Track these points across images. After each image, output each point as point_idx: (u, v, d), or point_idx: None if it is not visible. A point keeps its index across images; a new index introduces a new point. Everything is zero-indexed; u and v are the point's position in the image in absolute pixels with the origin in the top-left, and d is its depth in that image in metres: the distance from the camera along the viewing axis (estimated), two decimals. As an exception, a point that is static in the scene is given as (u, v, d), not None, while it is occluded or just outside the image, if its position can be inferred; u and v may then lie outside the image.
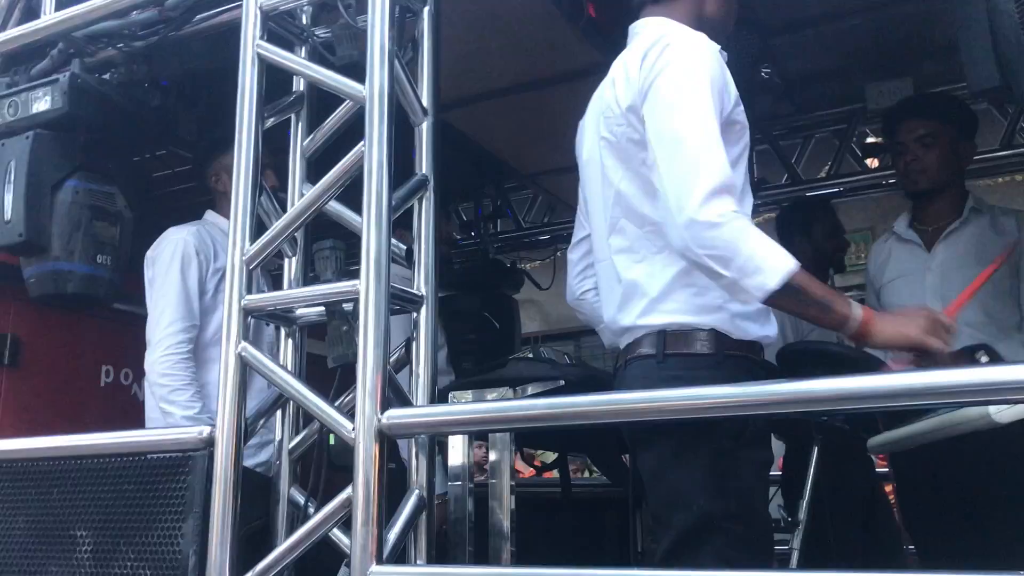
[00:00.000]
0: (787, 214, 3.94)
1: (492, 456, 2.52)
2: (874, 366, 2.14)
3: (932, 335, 1.68)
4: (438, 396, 2.55)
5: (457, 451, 2.54)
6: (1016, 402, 1.57)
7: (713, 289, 1.78)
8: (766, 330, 1.86)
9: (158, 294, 2.78)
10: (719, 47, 1.92)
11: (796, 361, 2.36)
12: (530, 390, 2.44)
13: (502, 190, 4.93)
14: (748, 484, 1.75)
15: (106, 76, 2.85)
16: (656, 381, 1.79)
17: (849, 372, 1.53)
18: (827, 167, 4.33)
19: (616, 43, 2.96)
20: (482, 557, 2.36)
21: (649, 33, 1.94)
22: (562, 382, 2.38)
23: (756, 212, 5.01)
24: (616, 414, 1.65)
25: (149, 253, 2.88)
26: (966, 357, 2.43)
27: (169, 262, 2.79)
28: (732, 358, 1.79)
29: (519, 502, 2.45)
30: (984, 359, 2.37)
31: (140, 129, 3.03)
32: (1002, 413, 1.60)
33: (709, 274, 1.71)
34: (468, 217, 5.18)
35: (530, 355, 2.66)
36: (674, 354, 1.81)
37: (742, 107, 1.89)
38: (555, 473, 3.41)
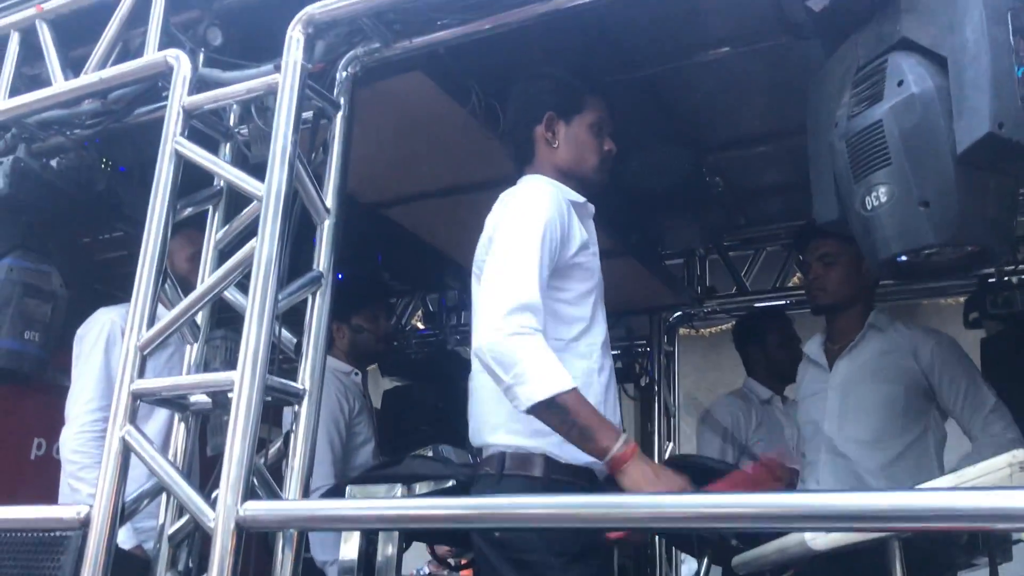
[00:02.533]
0: (742, 324, 4.01)
1: (382, 551, 2.55)
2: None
3: None
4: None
5: (351, 547, 2.57)
6: (826, 531, 1.59)
7: None
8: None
9: (80, 371, 2.86)
10: (582, 198, 2.13)
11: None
12: (418, 489, 2.48)
13: (467, 283, 5.02)
14: None
15: (53, 162, 2.99)
16: None
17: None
18: (775, 279, 4.40)
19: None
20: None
21: (514, 188, 2.15)
22: (452, 482, 2.42)
23: (708, 320, 5.09)
24: (438, 519, 1.69)
25: (79, 331, 2.97)
26: None
27: (95, 342, 2.87)
28: (558, 483, 1.88)
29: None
30: None
31: (85, 211, 3.16)
32: (816, 540, 1.62)
33: (493, 377, 1.84)
34: (433, 308, 5.26)
35: (429, 453, 2.68)
36: (511, 475, 1.92)
37: (591, 251, 2.08)
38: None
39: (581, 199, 2.14)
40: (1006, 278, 3.67)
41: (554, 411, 1.78)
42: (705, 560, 2.55)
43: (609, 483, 1.95)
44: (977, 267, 1.89)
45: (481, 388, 2.06)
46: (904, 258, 1.73)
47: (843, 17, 1.87)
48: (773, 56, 2.92)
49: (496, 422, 1.99)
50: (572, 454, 1.90)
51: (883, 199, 1.66)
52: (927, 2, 1.72)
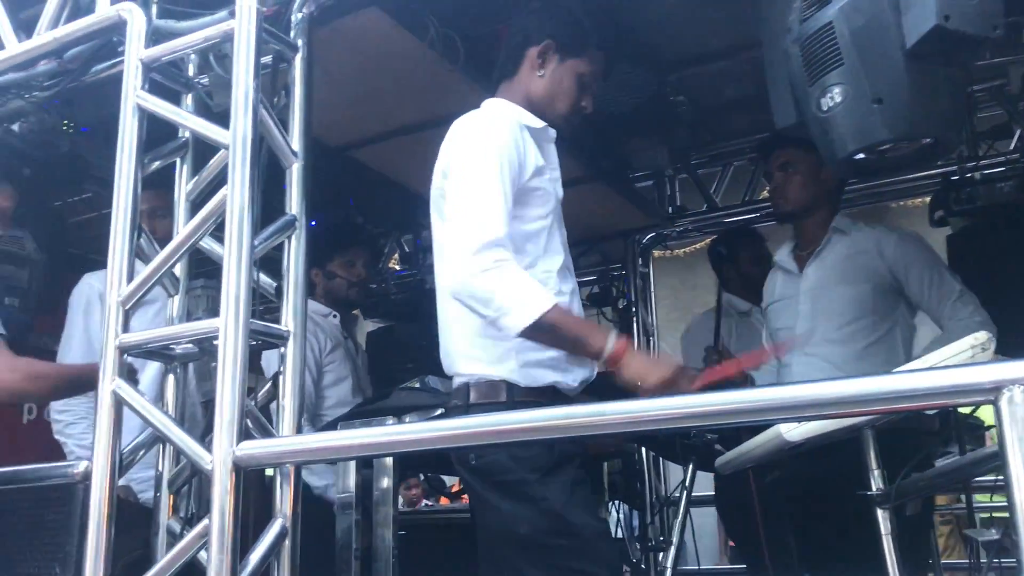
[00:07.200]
0: (715, 244, 4.07)
1: (377, 483, 2.62)
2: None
3: (668, 388, 1.82)
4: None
5: (348, 482, 2.64)
6: (802, 420, 1.66)
7: (504, 340, 1.95)
8: (565, 376, 2.00)
9: (64, 336, 2.91)
10: (541, 123, 2.12)
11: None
12: (409, 419, 2.55)
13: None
14: (561, 502, 1.88)
15: (15, 126, 2.97)
16: None
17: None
18: (744, 194, 4.45)
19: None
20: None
21: (466, 116, 2.13)
22: (441, 410, 2.48)
23: (681, 240, 5.15)
24: (429, 441, 1.75)
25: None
26: None
27: (75, 308, 2.93)
28: (523, 404, 1.93)
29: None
30: None
31: (52, 174, 3.15)
32: (791, 432, 1.69)
33: (477, 314, 1.89)
34: (409, 248, 5.29)
35: (416, 385, 2.74)
36: (477, 404, 1.99)
37: (549, 176, 2.09)
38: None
39: (540, 124, 2.13)
40: (968, 175, 3.74)
41: (544, 331, 1.85)
42: (690, 466, 2.64)
43: (577, 398, 2.02)
44: (932, 160, 1.92)
45: (446, 319, 2.10)
46: (862, 156, 1.78)
47: (791, -78, 1.89)
48: (728, -33, 2.92)
49: (459, 352, 2.05)
50: (533, 377, 1.96)
51: (838, 99, 1.70)
52: (871, -100, 1.73)
